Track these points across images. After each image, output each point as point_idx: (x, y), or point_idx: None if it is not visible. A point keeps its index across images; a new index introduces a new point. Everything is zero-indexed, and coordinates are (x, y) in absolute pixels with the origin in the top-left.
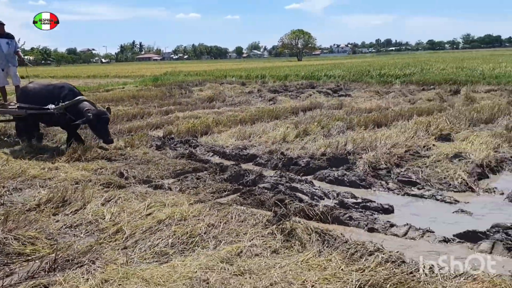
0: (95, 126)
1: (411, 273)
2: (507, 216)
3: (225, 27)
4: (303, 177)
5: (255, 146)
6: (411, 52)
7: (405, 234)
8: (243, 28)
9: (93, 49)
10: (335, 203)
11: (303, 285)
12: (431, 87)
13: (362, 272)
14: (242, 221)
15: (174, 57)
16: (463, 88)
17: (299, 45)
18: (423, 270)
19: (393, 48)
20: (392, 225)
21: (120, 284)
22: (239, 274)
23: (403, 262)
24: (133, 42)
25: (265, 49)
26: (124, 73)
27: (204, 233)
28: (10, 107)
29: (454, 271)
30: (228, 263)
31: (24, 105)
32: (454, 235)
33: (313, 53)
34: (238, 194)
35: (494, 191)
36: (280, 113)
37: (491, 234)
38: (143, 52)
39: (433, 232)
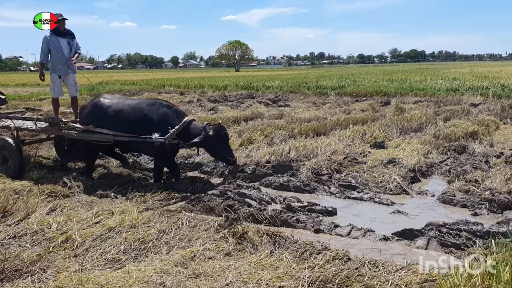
0: (216, 145)
1: (356, 268)
2: (439, 215)
3: (161, 36)
4: (250, 184)
5: (200, 154)
6: (343, 65)
7: (349, 233)
8: (179, 38)
9: (21, 57)
10: (282, 207)
11: (258, 284)
12: (364, 98)
13: (312, 269)
14: (193, 227)
15: (107, 66)
16: (393, 99)
17: (236, 56)
18: (368, 266)
19: (326, 61)
20: (336, 226)
21: None
22: (194, 277)
23: (349, 259)
24: None
25: (201, 59)
26: None
27: (156, 239)
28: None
29: (395, 265)
30: (182, 266)
31: (108, 131)
32: (392, 234)
33: (250, 64)
34: (187, 201)
35: (426, 193)
36: (222, 122)
37: (426, 231)
38: None
39: (373, 231)
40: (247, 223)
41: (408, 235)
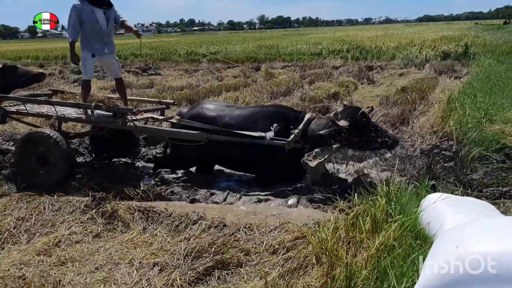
0: (363, 133)
1: (232, 234)
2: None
3: (14, 3)
4: (121, 158)
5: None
6: (214, 32)
7: (225, 200)
8: (36, 5)
9: None
10: (156, 181)
11: (130, 264)
12: (235, 65)
13: (188, 241)
14: (57, 210)
15: None
16: (263, 65)
17: None
18: (243, 230)
19: (197, 28)
20: (212, 194)
21: None
22: (60, 264)
23: (225, 225)
24: None
25: (63, 28)
26: None
27: (14, 228)
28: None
29: (269, 226)
30: (46, 255)
31: (202, 124)
32: (266, 195)
33: (117, 32)
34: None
35: None
36: None
37: (297, 190)
38: None
39: (249, 195)
40: (117, 201)
41: (280, 194)
